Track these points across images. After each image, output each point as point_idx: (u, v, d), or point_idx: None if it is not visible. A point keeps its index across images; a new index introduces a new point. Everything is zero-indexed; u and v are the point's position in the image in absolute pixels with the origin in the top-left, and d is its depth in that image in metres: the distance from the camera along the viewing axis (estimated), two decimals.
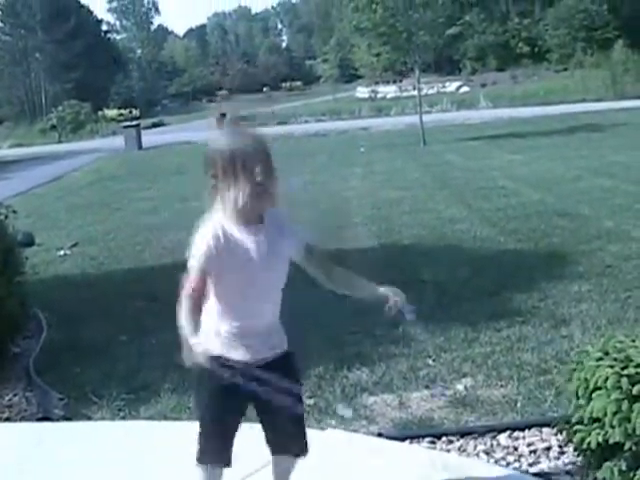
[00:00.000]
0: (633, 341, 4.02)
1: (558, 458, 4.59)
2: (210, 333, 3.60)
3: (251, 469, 4.38)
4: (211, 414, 3.68)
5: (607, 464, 3.78)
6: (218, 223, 3.54)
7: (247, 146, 3.52)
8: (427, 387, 5.79)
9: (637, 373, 3.73)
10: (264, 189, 3.50)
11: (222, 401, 3.62)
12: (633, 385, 3.67)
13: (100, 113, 70.84)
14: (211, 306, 3.61)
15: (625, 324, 6.71)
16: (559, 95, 52.86)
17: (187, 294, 3.49)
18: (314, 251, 3.77)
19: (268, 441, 3.82)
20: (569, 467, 4.45)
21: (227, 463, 3.73)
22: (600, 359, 3.93)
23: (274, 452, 3.87)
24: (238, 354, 3.59)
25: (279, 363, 3.68)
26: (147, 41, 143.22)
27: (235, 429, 3.72)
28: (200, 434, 3.72)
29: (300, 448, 3.83)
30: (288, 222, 3.72)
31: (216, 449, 3.73)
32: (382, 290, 3.79)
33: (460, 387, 5.74)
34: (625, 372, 3.75)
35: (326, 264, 3.81)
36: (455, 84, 73.80)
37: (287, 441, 3.80)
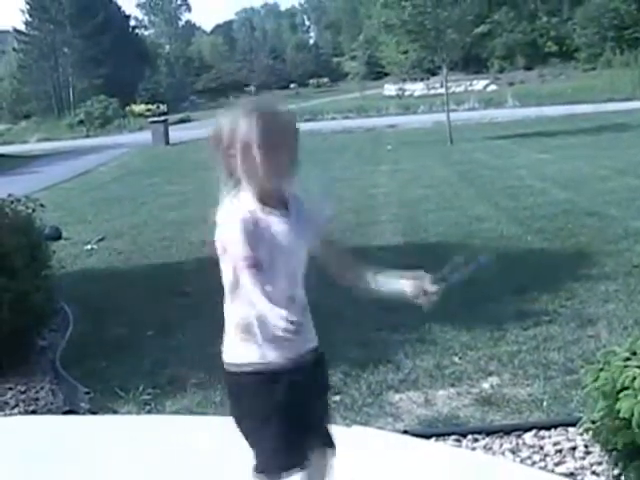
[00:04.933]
0: None
1: (584, 458, 4.57)
2: (242, 338, 3.32)
3: None
4: (278, 415, 3.30)
5: (633, 464, 3.77)
6: (246, 206, 3.24)
7: (272, 125, 3.17)
8: (453, 385, 5.79)
9: None
10: (290, 171, 3.27)
11: (281, 402, 3.29)
12: None
13: (128, 108, 70.95)
14: (239, 307, 3.29)
15: None
16: (587, 94, 52.42)
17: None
18: (334, 241, 3.60)
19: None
20: (595, 467, 4.43)
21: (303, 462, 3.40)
22: (627, 359, 3.91)
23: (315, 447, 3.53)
24: (276, 355, 3.28)
25: (315, 360, 3.46)
26: (175, 37, 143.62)
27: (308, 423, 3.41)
28: (270, 445, 3.30)
29: (333, 440, 3.62)
30: (312, 208, 3.49)
31: (293, 450, 3.34)
32: (402, 283, 3.44)
33: (486, 385, 5.73)
34: None
35: (343, 255, 3.57)
36: (483, 82, 73.40)
37: (326, 433, 3.59)
